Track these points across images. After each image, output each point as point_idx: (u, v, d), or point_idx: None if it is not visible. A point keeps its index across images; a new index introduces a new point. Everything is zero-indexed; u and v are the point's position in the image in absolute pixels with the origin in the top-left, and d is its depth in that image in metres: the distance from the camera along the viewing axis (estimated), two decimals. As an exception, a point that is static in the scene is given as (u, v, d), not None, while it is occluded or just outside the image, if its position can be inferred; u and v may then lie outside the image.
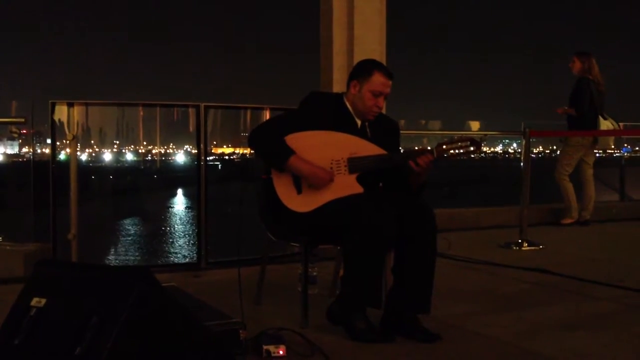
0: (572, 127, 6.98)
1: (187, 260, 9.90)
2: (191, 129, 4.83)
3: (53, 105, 4.54)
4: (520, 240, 5.68)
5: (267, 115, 5.01)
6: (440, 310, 3.30)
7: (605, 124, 6.83)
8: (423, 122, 7.61)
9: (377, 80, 3.22)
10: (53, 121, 4.54)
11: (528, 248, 5.60)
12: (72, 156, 4.69)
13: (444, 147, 3.18)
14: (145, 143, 5.32)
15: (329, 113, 3.25)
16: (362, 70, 3.27)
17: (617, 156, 9.38)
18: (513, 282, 4.30)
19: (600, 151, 7.54)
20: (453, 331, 3.12)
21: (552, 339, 3.06)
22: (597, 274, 4.33)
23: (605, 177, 8.67)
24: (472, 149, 3.19)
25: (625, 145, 9.75)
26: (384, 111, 3.46)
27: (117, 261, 9.59)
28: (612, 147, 7.61)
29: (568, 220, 6.97)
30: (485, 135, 7.27)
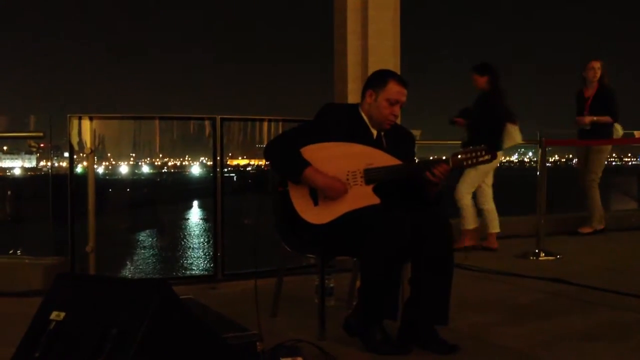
0: (599, 135, 6.83)
1: (204, 272, 9.92)
2: (207, 141, 4.86)
3: (71, 119, 4.58)
4: (537, 250, 5.64)
5: (282, 127, 5.03)
6: (458, 321, 3.29)
7: (617, 129, 6.79)
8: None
9: (393, 88, 3.23)
10: (70, 135, 4.58)
11: (545, 258, 5.56)
12: (90, 169, 4.72)
13: (460, 156, 3.16)
14: (161, 156, 5.35)
15: (344, 124, 3.26)
16: (377, 80, 3.29)
17: (634, 164, 9.32)
18: (530, 292, 4.28)
19: (617, 159, 7.45)
20: (470, 342, 3.10)
21: (570, 350, 3.03)
22: (615, 283, 4.29)
23: (623, 186, 8.62)
24: (487, 157, 3.17)
25: (643, 153, 9.69)
26: (399, 121, 3.47)
27: (134, 274, 9.63)
28: None
29: (588, 229, 6.90)
30: None
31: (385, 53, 5.19)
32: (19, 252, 4.81)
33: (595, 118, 6.71)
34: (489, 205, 6.09)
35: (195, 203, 26.98)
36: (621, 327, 3.45)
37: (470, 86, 6.04)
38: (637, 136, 7.65)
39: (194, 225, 21.18)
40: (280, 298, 3.63)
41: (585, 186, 6.89)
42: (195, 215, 24.57)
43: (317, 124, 3.28)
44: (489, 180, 6.19)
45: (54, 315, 2.22)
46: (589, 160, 6.91)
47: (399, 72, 4.43)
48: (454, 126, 6.31)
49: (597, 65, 6.77)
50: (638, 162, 9.38)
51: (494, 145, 5.41)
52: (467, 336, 3.20)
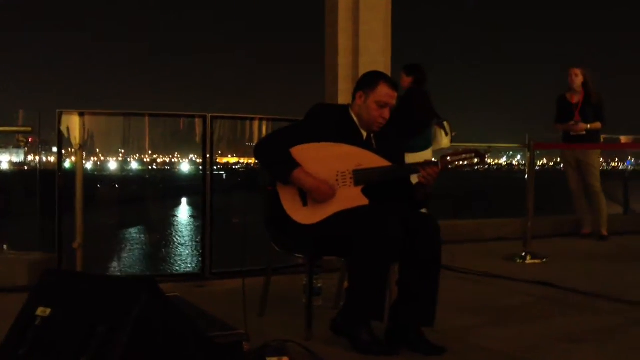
0: (591, 141, 6.85)
1: (191, 270, 9.90)
2: (197, 138, 4.85)
3: (60, 115, 4.56)
4: (524, 253, 5.67)
5: (272, 126, 5.03)
6: (444, 323, 3.30)
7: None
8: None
9: (382, 91, 3.23)
10: (60, 130, 4.56)
11: (532, 261, 5.59)
12: (78, 165, 4.70)
13: (449, 158, 3.19)
14: (150, 152, 5.33)
15: (334, 125, 3.26)
16: (367, 81, 3.29)
17: (622, 169, 9.39)
18: (517, 295, 4.30)
19: (604, 164, 7.52)
20: (457, 344, 3.11)
21: (555, 353, 3.05)
22: (600, 287, 4.32)
23: (609, 190, 8.67)
24: (476, 160, 3.20)
25: (630, 158, 9.75)
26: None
27: (121, 271, 9.59)
28: None
29: (605, 231, 6.96)
30: (490, 147, 7.26)
31: (376, 53, 5.20)
32: (5, 247, 4.78)
33: (589, 126, 6.77)
34: None
35: (184, 200, 26.92)
36: (605, 330, 3.47)
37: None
38: (622, 141, 7.70)
39: (182, 222, 21.13)
40: (267, 297, 3.63)
41: (593, 193, 6.92)
42: (183, 212, 24.52)
43: (307, 124, 3.28)
44: None
45: (39, 311, 2.21)
46: (583, 164, 6.92)
47: (389, 73, 4.44)
48: None
49: (576, 72, 6.86)
50: (625, 167, 9.43)
51: (411, 146, 5.36)
52: (454, 338, 3.21)
